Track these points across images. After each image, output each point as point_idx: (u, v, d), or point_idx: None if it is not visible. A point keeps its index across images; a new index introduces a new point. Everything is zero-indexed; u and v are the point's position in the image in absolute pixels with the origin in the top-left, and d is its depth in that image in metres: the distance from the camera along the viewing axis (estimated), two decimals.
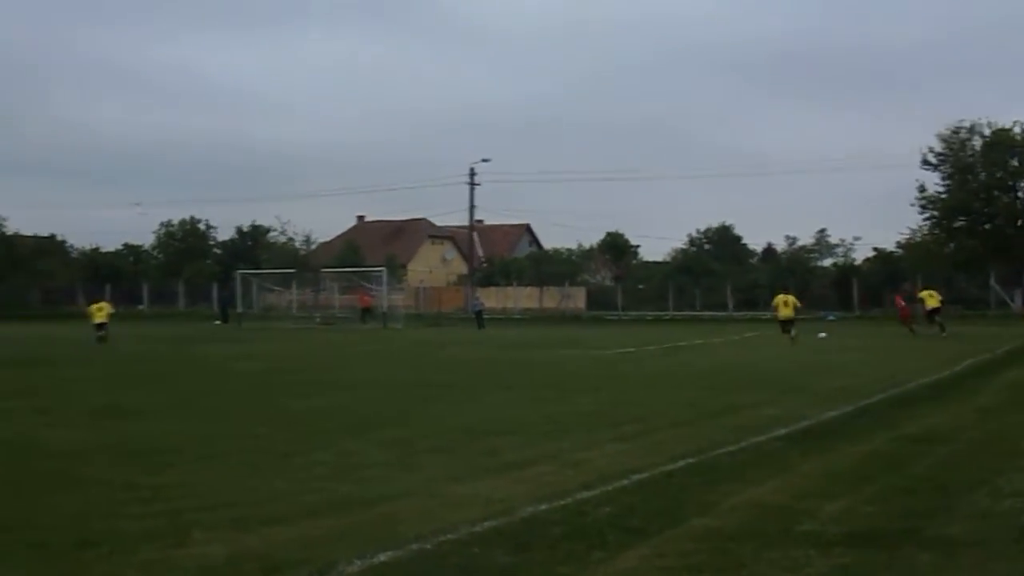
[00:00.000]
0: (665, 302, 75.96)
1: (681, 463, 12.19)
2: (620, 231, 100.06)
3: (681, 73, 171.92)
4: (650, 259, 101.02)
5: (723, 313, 70.48)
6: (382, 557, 7.92)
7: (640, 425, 15.81)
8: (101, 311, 42.92)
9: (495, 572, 7.48)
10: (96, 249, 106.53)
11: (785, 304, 36.97)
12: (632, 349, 36.21)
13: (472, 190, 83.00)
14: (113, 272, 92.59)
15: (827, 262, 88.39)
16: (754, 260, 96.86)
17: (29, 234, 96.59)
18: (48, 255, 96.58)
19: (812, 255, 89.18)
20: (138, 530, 8.88)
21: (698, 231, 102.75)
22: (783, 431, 14.87)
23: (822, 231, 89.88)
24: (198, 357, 33.15)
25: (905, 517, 9.32)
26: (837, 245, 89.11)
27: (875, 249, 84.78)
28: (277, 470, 12.18)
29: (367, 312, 60.46)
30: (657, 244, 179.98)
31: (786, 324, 36.57)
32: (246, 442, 14.46)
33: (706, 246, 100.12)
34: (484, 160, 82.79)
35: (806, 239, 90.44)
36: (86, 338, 41.02)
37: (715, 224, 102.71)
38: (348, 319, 67.31)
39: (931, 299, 43.54)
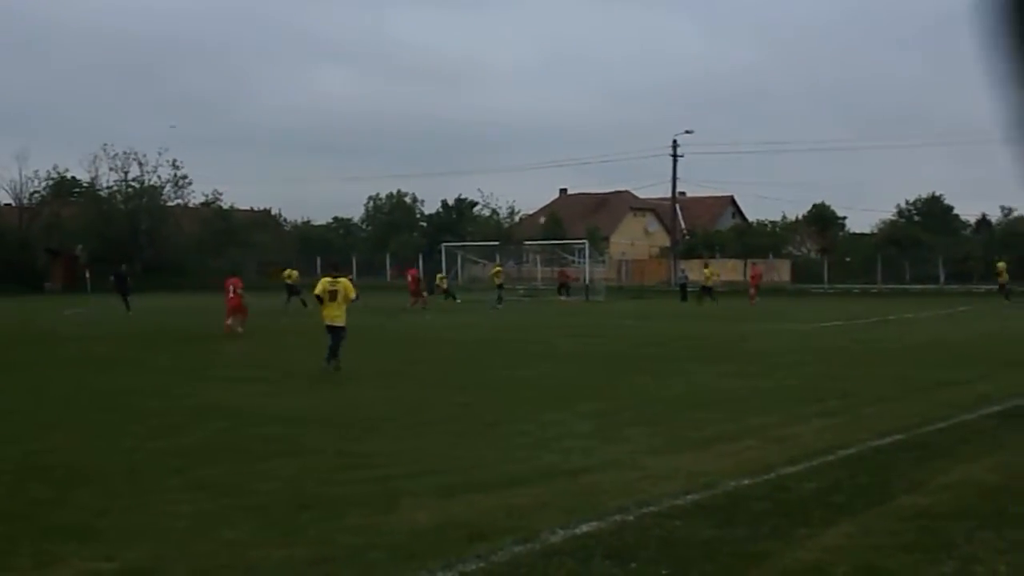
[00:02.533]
0: (873, 275, 73.93)
1: (888, 439, 11.96)
2: (826, 203, 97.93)
3: (887, 40, 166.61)
4: (857, 231, 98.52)
5: (934, 286, 68.30)
6: (584, 527, 8.01)
7: (846, 400, 15.55)
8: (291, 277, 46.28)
9: (697, 546, 7.48)
10: (308, 222, 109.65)
11: (332, 297, 21.49)
12: (839, 323, 35.49)
13: (675, 162, 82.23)
14: (323, 245, 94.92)
15: None
16: (966, 232, 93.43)
17: (244, 208, 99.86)
18: (263, 228, 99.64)
19: None
20: (349, 496, 9.18)
21: (907, 202, 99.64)
22: (996, 408, 14.44)
23: None
24: (406, 328, 33.87)
25: None
26: None
27: None
28: (482, 439, 12.43)
29: (564, 287, 60.30)
30: (864, 216, 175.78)
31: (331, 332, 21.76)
32: (453, 411, 14.79)
33: (915, 217, 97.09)
34: (687, 132, 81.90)
35: (1023, 210, 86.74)
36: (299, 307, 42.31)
37: (924, 195, 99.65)
38: (550, 291, 67.71)
39: None
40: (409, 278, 50.72)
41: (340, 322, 20.36)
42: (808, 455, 10.98)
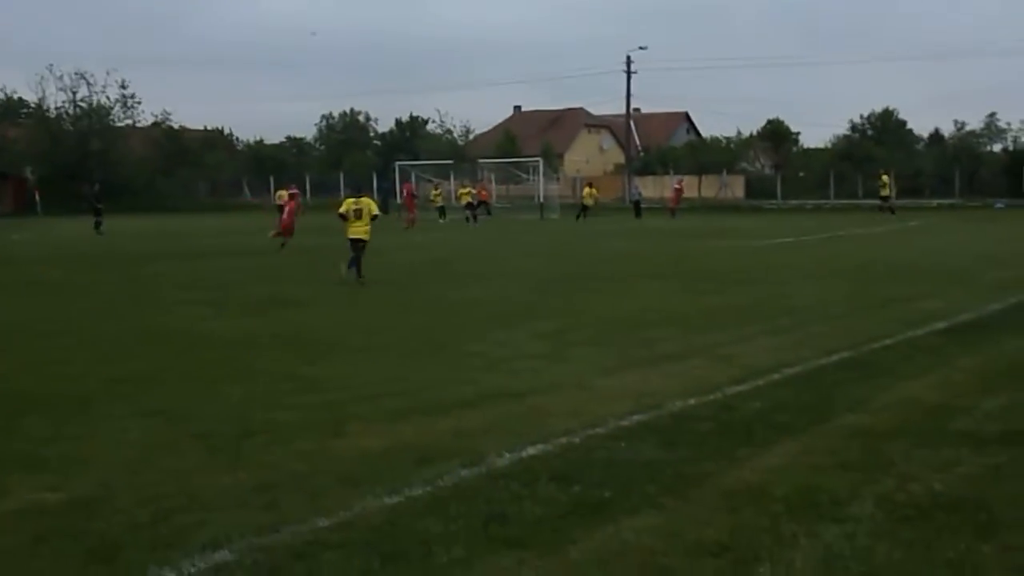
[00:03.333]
0: (826, 190, 74.38)
1: (835, 357, 12.11)
2: (780, 118, 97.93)
3: None
4: (811, 146, 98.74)
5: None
6: (531, 450, 8.07)
7: (795, 318, 15.70)
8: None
9: (640, 467, 7.55)
10: (260, 142, 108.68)
11: (357, 216, 23.36)
12: (790, 239, 35.71)
13: (629, 78, 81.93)
14: (277, 165, 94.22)
15: (997, 147, 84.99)
16: (919, 146, 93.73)
17: (196, 128, 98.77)
18: (215, 148, 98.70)
19: (981, 140, 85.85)
20: (297, 420, 9.21)
21: (861, 116, 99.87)
22: (943, 325, 14.60)
23: (992, 115, 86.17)
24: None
25: None
26: (1006, 130, 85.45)
27: None
28: (433, 360, 12.48)
29: (482, 204, 58.73)
30: (818, 131, 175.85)
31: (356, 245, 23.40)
32: (403, 332, 14.82)
33: (869, 132, 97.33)
34: (641, 48, 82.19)
35: (975, 124, 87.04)
36: (259, 226, 42.08)
37: (878, 109, 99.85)
38: (506, 208, 67.66)
39: None
40: (405, 193, 50.88)
41: (365, 236, 22.40)
42: (754, 374, 11.09)
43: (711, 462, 7.68)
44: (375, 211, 22.92)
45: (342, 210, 22.80)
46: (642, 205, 59.39)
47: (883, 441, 8.20)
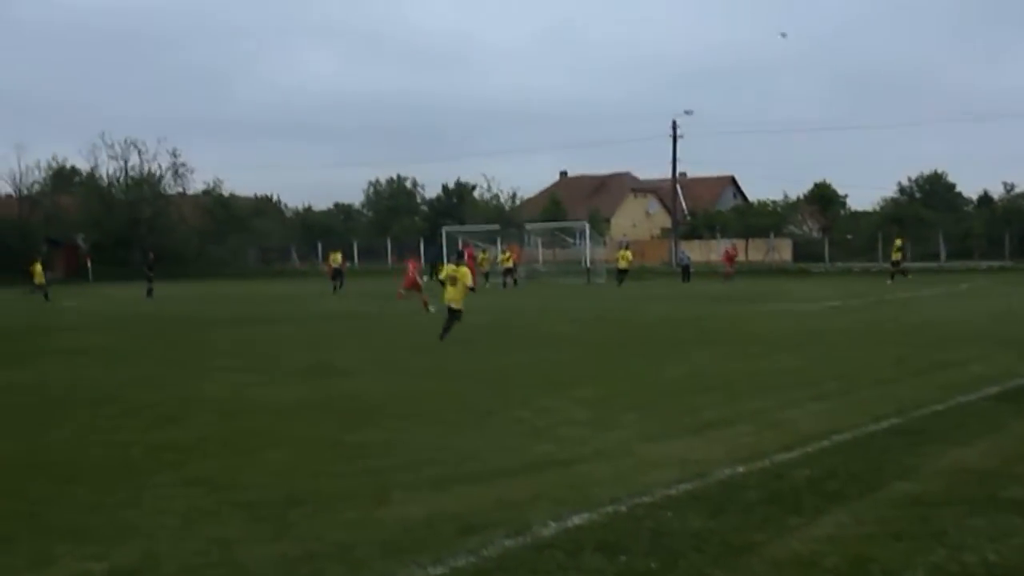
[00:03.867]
0: (874, 253, 73.88)
1: (884, 423, 11.94)
2: (827, 181, 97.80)
3: (895, 16, 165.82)
4: (858, 208, 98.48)
5: (935, 264, 68.23)
6: (576, 520, 8.00)
7: (843, 383, 15.52)
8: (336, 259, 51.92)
9: (687, 537, 7.46)
10: (309, 208, 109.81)
11: (452, 282, 24.18)
12: (838, 303, 35.45)
13: (675, 143, 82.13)
14: (324, 230, 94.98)
15: None
16: (968, 208, 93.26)
17: (246, 195, 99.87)
18: (264, 215, 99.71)
19: None
20: (341, 489, 9.17)
21: (909, 179, 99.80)
22: (994, 390, 14.40)
23: None
24: (404, 312, 33.79)
25: None
26: None
27: None
28: (477, 428, 12.42)
29: (510, 272, 57.90)
30: (866, 193, 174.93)
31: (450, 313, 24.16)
32: (449, 399, 14.78)
33: (917, 195, 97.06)
34: (687, 112, 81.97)
35: None
36: (307, 293, 42.37)
37: (927, 171, 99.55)
38: (552, 273, 67.76)
39: None
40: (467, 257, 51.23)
41: (457, 304, 23.41)
42: (803, 440, 10.96)
43: (759, 532, 7.57)
44: (470, 282, 23.77)
45: (441, 276, 25.10)
46: (691, 269, 59.24)
47: (935, 510, 8.06)
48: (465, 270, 24.03)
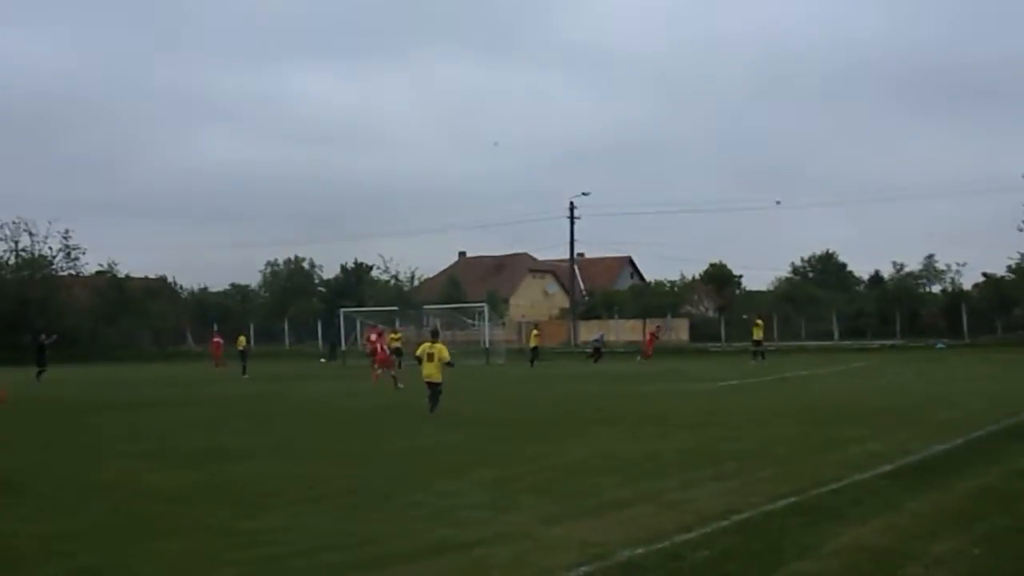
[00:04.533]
0: (770, 332, 74.85)
1: (782, 503, 11.99)
2: (722, 261, 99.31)
3: (781, 96, 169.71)
4: (753, 288, 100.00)
5: (829, 342, 69.39)
6: None
7: (741, 462, 15.59)
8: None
9: None
10: (204, 289, 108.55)
11: (429, 358, 25.18)
12: (735, 381, 35.83)
13: (572, 224, 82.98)
14: (221, 312, 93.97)
15: (936, 288, 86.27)
16: (860, 288, 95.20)
17: (139, 276, 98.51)
18: (158, 296, 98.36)
19: (920, 281, 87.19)
20: None
21: (802, 259, 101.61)
22: (888, 467, 14.59)
23: (930, 257, 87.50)
24: (302, 396, 33.46)
25: (1017, 560, 9.05)
26: (945, 271, 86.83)
27: (984, 275, 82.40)
28: (377, 512, 12.24)
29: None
30: (760, 274, 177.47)
31: (431, 387, 25.24)
32: (347, 482, 14.58)
33: (810, 274, 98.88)
34: (584, 194, 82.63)
35: (914, 265, 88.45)
36: (203, 376, 41.80)
37: (819, 252, 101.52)
38: (452, 353, 67.60)
39: None
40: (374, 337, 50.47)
41: (437, 379, 24.69)
42: (702, 521, 10.95)
43: None
44: (447, 357, 24.90)
45: (417, 353, 25.72)
46: (602, 350, 59.23)
47: None
48: (441, 346, 25.15)
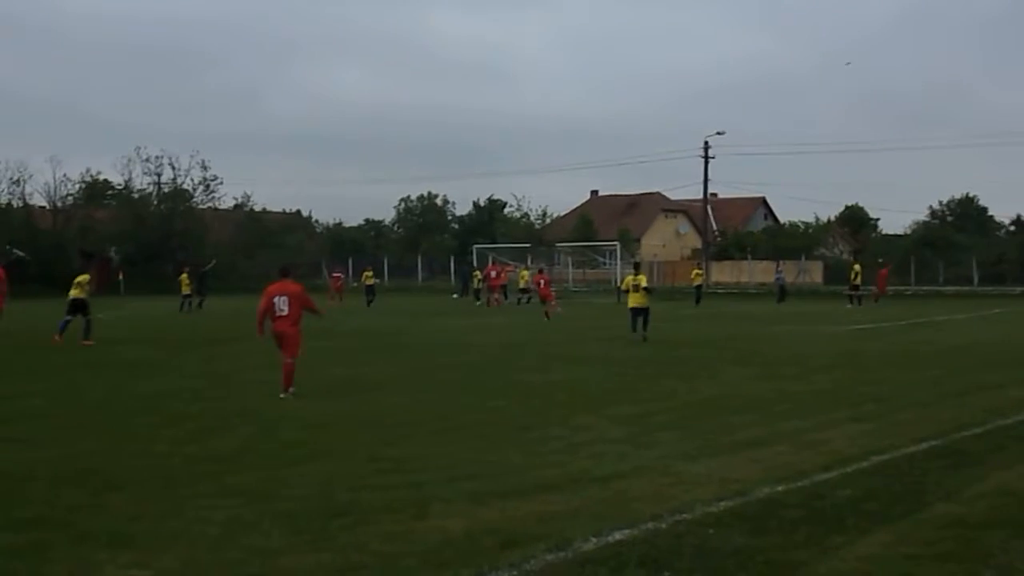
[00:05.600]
0: (906, 276, 73.30)
1: (923, 445, 11.87)
2: (859, 203, 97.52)
3: (927, 38, 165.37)
4: (890, 232, 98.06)
5: (967, 288, 67.75)
6: (617, 535, 7.97)
7: (880, 405, 15.44)
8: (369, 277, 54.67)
9: (730, 554, 7.43)
10: (339, 224, 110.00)
11: (635, 289, 28.74)
12: (871, 326, 35.26)
13: (707, 163, 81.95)
14: (355, 247, 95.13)
15: None
16: (1001, 232, 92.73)
17: (276, 210, 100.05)
18: (294, 230, 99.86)
19: None
20: (379, 502, 9.16)
21: (940, 203, 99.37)
22: None
23: None
24: (437, 331, 33.84)
25: None
26: None
27: None
28: (514, 444, 12.39)
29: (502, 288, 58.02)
30: (898, 217, 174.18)
31: (637, 313, 28.43)
32: (484, 415, 14.78)
33: (949, 218, 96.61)
34: (719, 133, 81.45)
35: None
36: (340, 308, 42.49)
37: (958, 195, 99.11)
38: (583, 292, 67.80)
39: None
40: (494, 274, 51.98)
41: (644, 304, 28.59)
42: (842, 461, 10.91)
43: (803, 550, 7.53)
44: (645, 284, 29.03)
45: (623, 286, 30.68)
46: (786, 289, 57.56)
47: (979, 532, 8.00)
48: (644, 277, 29.60)
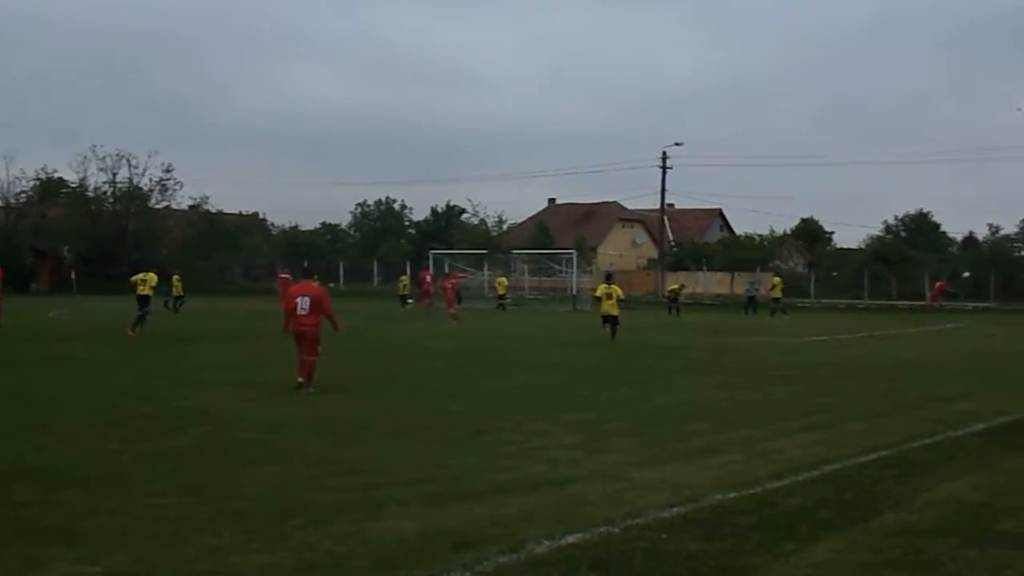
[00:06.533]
0: (860, 290, 73.98)
1: (874, 455, 11.97)
2: (815, 217, 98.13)
3: (883, 50, 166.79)
4: (845, 246, 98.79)
5: (920, 303, 68.33)
6: (570, 538, 8.00)
7: (832, 415, 15.56)
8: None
9: (683, 559, 7.47)
10: (295, 227, 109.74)
11: (608, 297, 31.53)
12: (825, 337, 35.52)
13: (664, 173, 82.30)
14: (311, 250, 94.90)
15: None
16: (953, 249, 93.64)
17: (232, 211, 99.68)
18: (251, 232, 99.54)
19: (1016, 245, 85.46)
20: (333, 503, 9.15)
21: (895, 218, 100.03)
22: (982, 426, 14.49)
23: None
24: (392, 336, 33.80)
25: None
26: None
27: None
28: (468, 447, 12.41)
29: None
30: (852, 231, 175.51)
31: (607, 319, 31.37)
32: (439, 419, 14.77)
33: (902, 233, 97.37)
34: (677, 144, 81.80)
35: (1010, 228, 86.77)
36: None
37: (912, 211, 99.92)
38: (539, 300, 67.90)
39: None
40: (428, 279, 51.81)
41: (615, 312, 31.23)
42: (793, 470, 10.98)
43: (754, 556, 7.59)
44: (621, 295, 31.89)
45: (597, 293, 32.64)
46: (756, 300, 57.11)
47: (929, 540, 8.08)
48: (616, 286, 31.94)
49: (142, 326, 31.60)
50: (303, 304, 18.20)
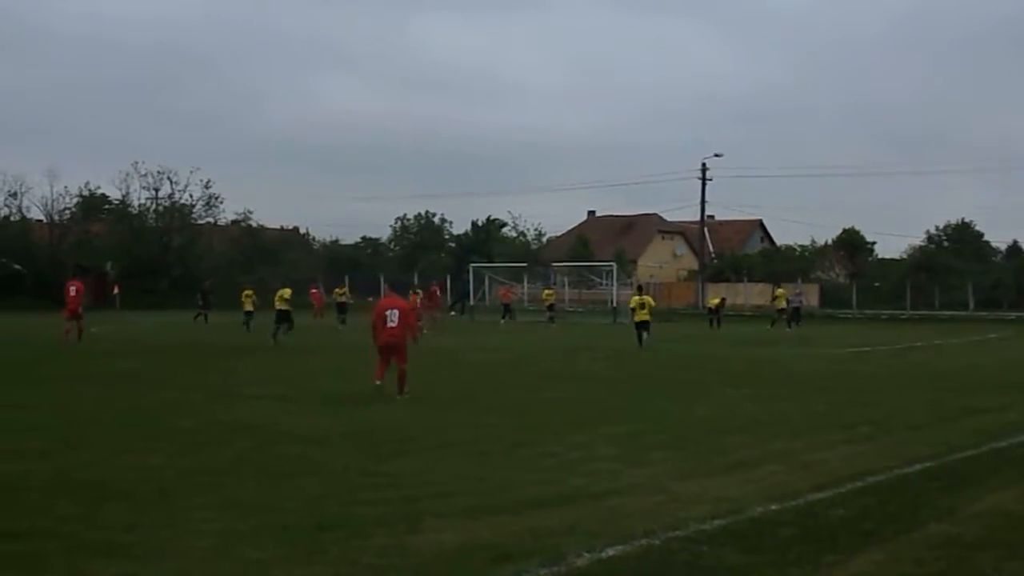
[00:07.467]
0: (902, 301, 73.46)
1: (917, 467, 11.88)
2: (856, 227, 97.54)
3: (925, 59, 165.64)
4: (886, 256, 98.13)
5: (963, 313, 67.82)
6: (610, 551, 7.97)
7: (874, 426, 15.45)
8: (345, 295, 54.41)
9: (724, 571, 7.44)
10: (336, 241, 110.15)
11: (641, 307, 34.68)
12: (867, 348, 35.31)
13: (704, 185, 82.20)
14: (351, 264, 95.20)
15: None
16: (997, 258, 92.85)
17: (274, 226, 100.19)
18: (292, 247, 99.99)
19: None
20: (373, 515, 9.16)
21: (937, 228, 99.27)
22: None
23: None
24: (431, 349, 33.84)
25: None
26: None
27: None
28: (508, 460, 12.42)
29: (507, 307, 58.27)
30: (894, 241, 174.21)
31: (640, 325, 34.40)
32: (478, 432, 14.77)
33: (945, 243, 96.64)
34: (716, 155, 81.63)
35: None
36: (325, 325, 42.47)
37: (955, 220, 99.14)
38: (579, 312, 67.83)
39: None
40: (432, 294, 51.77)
41: (647, 318, 34.33)
42: (836, 481, 10.91)
43: (796, 568, 7.54)
44: (653, 303, 36.37)
45: (631, 304, 35.89)
46: (801, 311, 55.94)
47: (972, 552, 8.01)
48: (648, 297, 35.78)
49: (284, 336, 34.93)
50: (392, 316, 19.01)
